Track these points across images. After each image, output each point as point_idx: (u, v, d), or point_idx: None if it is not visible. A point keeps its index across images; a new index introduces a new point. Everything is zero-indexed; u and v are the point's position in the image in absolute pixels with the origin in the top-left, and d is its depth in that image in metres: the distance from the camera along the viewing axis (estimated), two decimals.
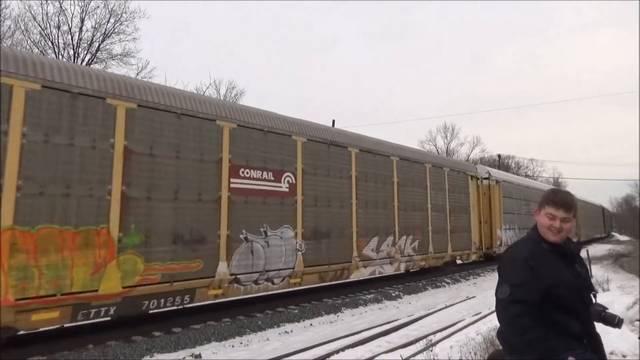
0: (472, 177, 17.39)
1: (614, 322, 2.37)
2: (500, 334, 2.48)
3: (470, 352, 5.40)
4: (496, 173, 20.59)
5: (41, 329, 7.33)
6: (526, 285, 2.25)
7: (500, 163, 49.74)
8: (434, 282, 14.19)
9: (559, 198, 2.46)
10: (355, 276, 11.27)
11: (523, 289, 2.24)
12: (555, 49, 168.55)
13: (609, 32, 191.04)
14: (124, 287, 6.57)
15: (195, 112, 7.87)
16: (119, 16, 23.72)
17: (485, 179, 18.82)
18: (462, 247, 16.18)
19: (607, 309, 2.41)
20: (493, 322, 6.76)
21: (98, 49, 23.78)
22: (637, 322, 7.04)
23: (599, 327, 2.42)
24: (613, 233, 71.21)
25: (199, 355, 6.59)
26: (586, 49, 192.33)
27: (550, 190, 2.57)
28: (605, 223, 58.11)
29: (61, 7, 22.50)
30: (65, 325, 7.67)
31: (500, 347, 2.55)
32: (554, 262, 2.38)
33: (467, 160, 48.17)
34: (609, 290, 10.62)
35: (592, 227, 44.22)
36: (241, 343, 7.38)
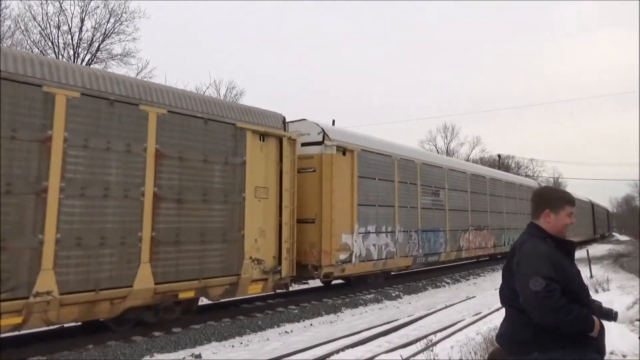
0: (262, 134, 8.99)
1: (612, 315, 2.51)
2: (501, 336, 2.46)
3: (470, 352, 5.41)
4: (343, 135, 11.52)
5: (41, 329, 7.33)
6: (555, 278, 2.27)
7: (500, 163, 49.71)
8: (434, 282, 14.20)
9: (572, 197, 2.61)
10: None
11: (554, 281, 2.25)
12: (555, 49, 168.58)
13: (609, 33, 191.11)
14: None
15: None
16: (119, 16, 23.70)
17: (315, 143, 10.54)
18: (206, 272, 7.73)
19: (602, 303, 2.52)
20: (493, 322, 6.76)
21: (98, 49, 23.77)
22: (637, 322, 7.04)
23: None
24: (613, 233, 71.16)
25: (199, 355, 6.59)
26: (586, 49, 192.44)
27: (562, 192, 2.67)
28: (596, 223, 46.30)
29: (61, 7, 22.50)
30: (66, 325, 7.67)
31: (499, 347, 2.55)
32: (563, 259, 2.42)
33: (467, 161, 48.01)
34: (609, 290, 10.61)
35: (577, 228, 32.83)
36: (241, 343, 7.38)
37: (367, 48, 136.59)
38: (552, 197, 2.56)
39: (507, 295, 2.45)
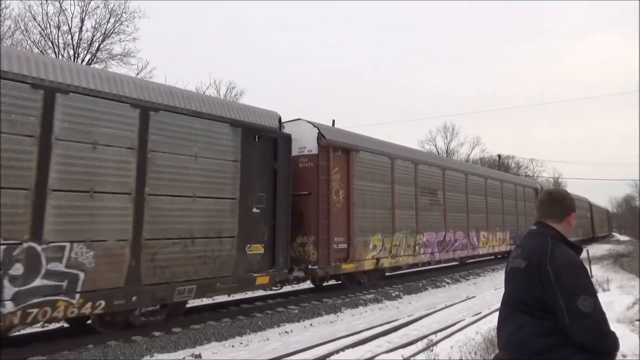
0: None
1: None
2: (516, 346, 2.25)
3: (470, 352, 5.42)
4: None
5: (41, 329, 7.33)
6: (596, 294, 2.17)
7: (500, 163, 49.72)
8: (434, 282, 14.20)
9: None
10: None
11: (596, 295, 2.16)
12: (556, 50, 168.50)
13: (612, 33, 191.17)
14: None
15: None
16: (119, 16, 23.70)
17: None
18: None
19: None
20: (493, 322, 6.76)
21: (98, 49, 23.76)
22: (637, 322, 7.04)
23: None
24: (613, 233, 71.21)
25: (199, 355, 6.59)
26: (588, 50, 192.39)
27: (571, 195, 2.58)
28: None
29: (61, 7, 22.48)
30: (66, 325, 7.68)
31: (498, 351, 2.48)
32: None
33: (467, 161, 47.94)
34: (609, 290, 10.61)
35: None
36: (241, 343, 7.38)
37: (367, 48, 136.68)
38: (570, 204, 2.47)
39: (526, 300, 2.25)
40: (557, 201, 2.45)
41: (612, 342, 2.13)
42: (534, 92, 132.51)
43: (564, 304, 2.11)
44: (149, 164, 7.06)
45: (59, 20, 22.46)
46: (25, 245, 5.71)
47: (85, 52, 23.53)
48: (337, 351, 6.40)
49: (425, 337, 6.86)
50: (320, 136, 10.56)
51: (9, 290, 5.53)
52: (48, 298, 5.84)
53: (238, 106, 9.29)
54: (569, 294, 2.12)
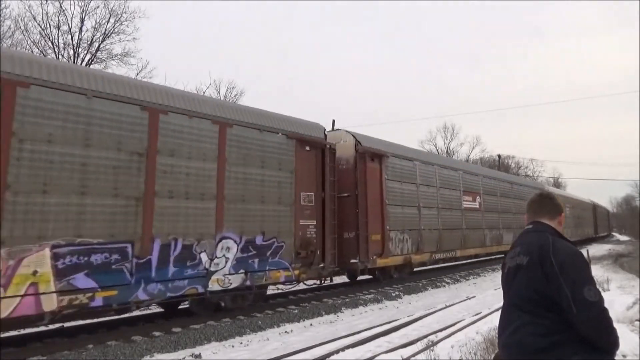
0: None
1: None
2: (519, 344, 2.22)
3: (470, 352, 5.41)
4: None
5: (40, 329, 7.33)
6: None
7: (500, 163, 49.72)
8: (434, 282, 14.20)
9: None
10: None
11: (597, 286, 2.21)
12: (556, 50, 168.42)
13: (613, 34, 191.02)
14: None
15: None
16: (119, 16, 23.69)
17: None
18: None
19: None
20: (493, 322, 6.76)
21: (98, 49, 23.75)
22: (637, 322, 7.04)
23: None
24: (613, 233, 71.23)
25: (199, 355, 6.59)
26: (588, 50, 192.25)
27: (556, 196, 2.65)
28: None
29: (61, 7, 22.47)
30: (66, 325, 7.68)
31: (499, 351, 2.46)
32: None
33: (467, 161, 47.91)
34: (609, 290, 10.61)
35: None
36: (241, 343, 7.38)
37: (368, 49, 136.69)
38: (559, 203, 2.58)
39: (529, 296, 2.23)
40: (548, 200, 2.53)
41: (614, 336, 2.12)
42: (534, 91, 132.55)
43: (570, 294, 2.11)
44: None
45: (59, 20, 22.47)
46: None
47: (85, 52, 23.54)
48: (337, 351, 6.40)
49: (425, 337, 6.86)
50: None
51: None
52: None
53: None
54: (574, 283, 2.12)
